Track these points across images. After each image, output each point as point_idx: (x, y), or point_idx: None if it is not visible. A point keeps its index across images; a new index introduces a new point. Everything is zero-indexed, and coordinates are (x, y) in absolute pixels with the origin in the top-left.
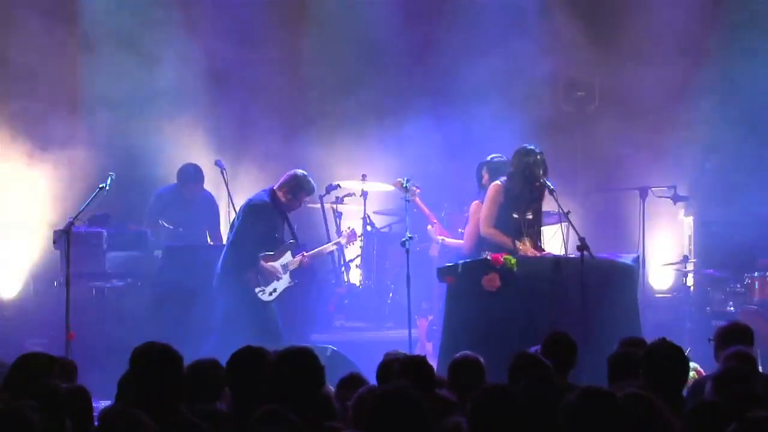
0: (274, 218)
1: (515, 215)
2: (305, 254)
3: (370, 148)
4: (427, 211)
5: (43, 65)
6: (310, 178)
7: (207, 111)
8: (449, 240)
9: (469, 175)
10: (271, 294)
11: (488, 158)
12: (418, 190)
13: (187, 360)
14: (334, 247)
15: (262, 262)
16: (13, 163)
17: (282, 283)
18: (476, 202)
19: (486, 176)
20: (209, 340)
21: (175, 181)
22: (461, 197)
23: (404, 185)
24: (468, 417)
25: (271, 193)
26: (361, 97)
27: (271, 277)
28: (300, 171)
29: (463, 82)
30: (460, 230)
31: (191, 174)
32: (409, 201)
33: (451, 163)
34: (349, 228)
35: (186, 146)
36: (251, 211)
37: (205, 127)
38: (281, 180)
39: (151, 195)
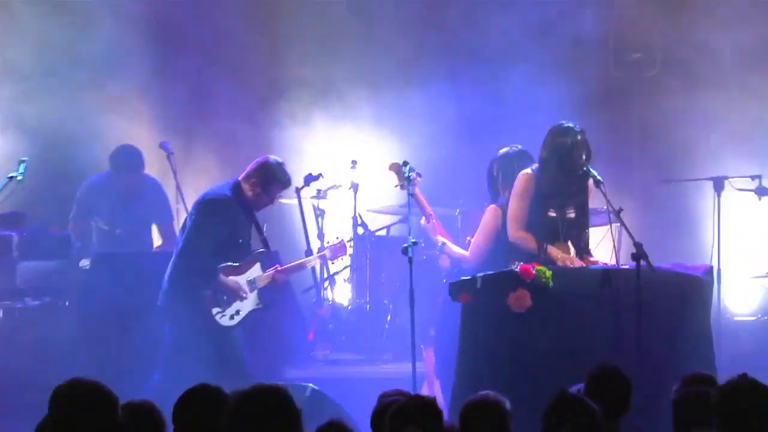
0: (238, 218)
1: (552, 213)
2: (279, 268)
3: (362, 126)
4: (426, 204)
5: None
6: (285, 167)
7: (151, 78)
8: (453, 246)
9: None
10: (233, 317)
11: (499, 152)
12: (419, 180)
13: (124, 401)
14: (318, 261)
15: (222, 276)
16: None
17: (247, 304)
18: (493, 206)
19: (499, 177)
20: (152, 376)
21: (103, 170)
22: (482, 192)
23: (406, 174)
24: None
25: (235, 186)
26: (350, 61)
27: (234, 295)
28: (272, 157)
29: (483, 40)
30: (468, 238)
31: (126, 158)
32: (412, 195)
33: (468, 147)
34: (337, 239)
35: (124, 124)
36: (207, 209)
37: (148, 100)
38: (248, 169)
39: (79, 186)
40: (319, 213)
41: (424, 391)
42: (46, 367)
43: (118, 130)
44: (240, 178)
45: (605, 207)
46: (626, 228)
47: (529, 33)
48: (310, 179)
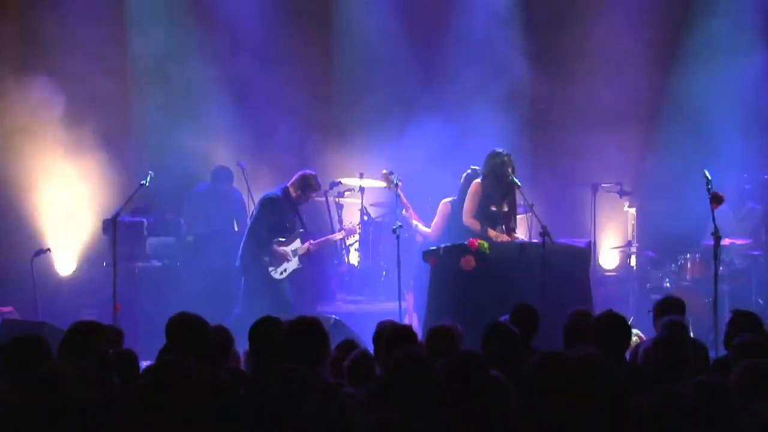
0: (286, 210)
1: (493, 208)
2: (312, 242)
3: (369, 151)
4: (405, 201)
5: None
6: (317, 177)
7: (230, 122)
8: (421, 227)
9: (450, 174)
10: (281, 273)
11: (469, 169)
12: (400, 184)
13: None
14: (339, 238)
15: (275, 247)
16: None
17: (291, 265)
18: (444, 201)
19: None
20: (234, 311)
21: (205, 181)
22: (444, 193)
23: (394, 181)
24: (442, 379)
25: (284, 189)
26: (363, 105)
27: (282, 259)
28: (308, 171)
29: (453, 90)
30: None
31: (225, 174)
32: (397, 195)
33: (434, 164)
34: (351, 223)
35: (213, 148)
36: (266, 204)
37: (227, 135)
38: (293, 179)
39: (187, 198)
40: (339, 207)
41: (406, 321)
42: (165, 306)
43: (209, 152)
44: (288, 184)
45: (524, 202)
46: (537, 216)
47: (482, 83)
48: (333, 185)
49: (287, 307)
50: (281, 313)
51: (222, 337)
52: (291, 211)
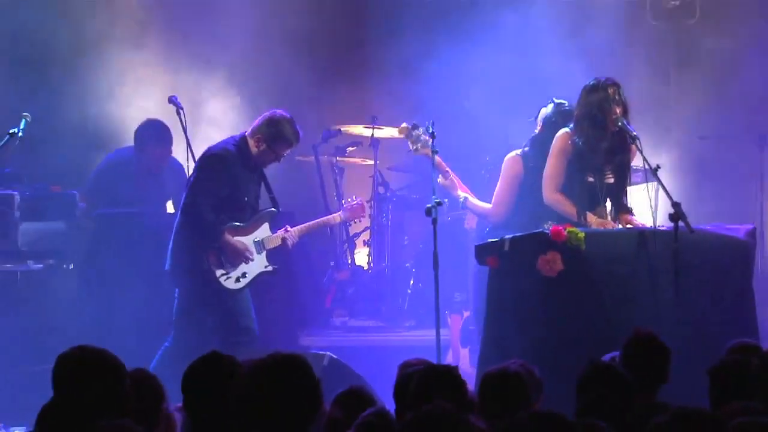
0: (243, 175)
1: (590, 178)
2: (290, 229)
3: (383, 80)
4: (441, 162)
5: None
6: (294, 124)
7: (160, 27)
8: (474, 200)
9: (519, 118)
10: (238, 280)
11: (555, 102)
12: (431, 140)
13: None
14: (333, 222)
15: (227, 237)
16: None
17: (254, 267)
18: (512, 155)
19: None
20: (164, 343)
21: (127, 145)
22: (511, 148)
23: (422, 135)
24: None
25: (240, 141)
26: (372, 7)
27: (239, 257)
28: (279, 112)
29: None
30: None
31: (157, 135)
32: (435, 153)
33: (497, 100)
34: (354, 199)
35: (131, 78)
36: (210, 164)
37: (155, 49)
38: (254, 123)
39: (97, 170)
40: (338, 171)
41: (449, 361)
42: (49, 333)
43: (126, 85)
44: (246, 133)
45: (642, 165)
46: (663, 187)
47: None
48: (327, 135)
49: (248, 335)
50: (238, 346)
51: (145, 386)
52: (252, 177)
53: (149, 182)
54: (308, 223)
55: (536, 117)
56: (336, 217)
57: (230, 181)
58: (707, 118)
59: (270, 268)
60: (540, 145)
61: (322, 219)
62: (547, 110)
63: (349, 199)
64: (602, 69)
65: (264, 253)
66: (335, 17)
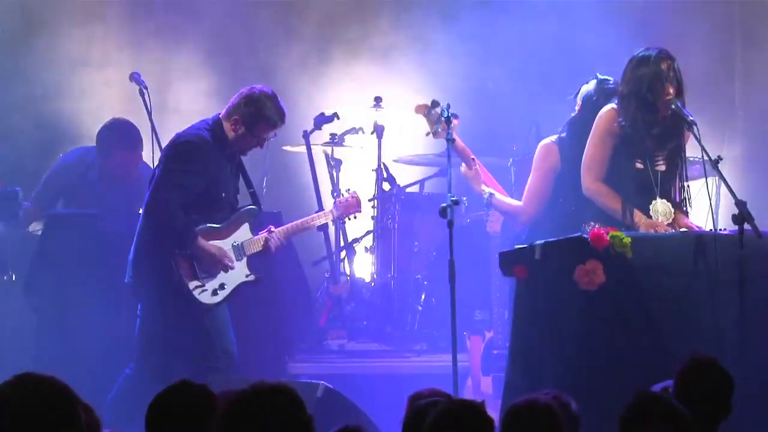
0: (220, 166)
1: (639, 164)
2: (274, 229)
3: (388, 56)
4: (465, 148)
5: None
6: (277, 99)
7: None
8: (501, 197)
9: (552, 99)
10: (215, 293)
11: (599, 78)
12: (456, 122)
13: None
14: (325, 219)
15: (201, 240)
16: None
17: (234, 276)
18: (546, 141)
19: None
20: (125, 370)
21: (86, 145)
22: (542, 136)
23: (442, 115)
24: None
25: (214, 125)
26: None
27: (216, 265)
28: (259, 87)
29: None
30: None
31: (123, 137)
32: (451, 140)
33: (525, 80)
34: (349, 192)
35: (84, 50)
36: (181, 153)
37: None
38: (230, 103)
39: (52, 170)
40: (334, 163)
41: (468, 393)
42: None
43: (78, 62)
44: (221, 115)
45: (699, 156)
46: (726, 182)
47: None
48: (321, 121)
49: (225, 359)
50: (215, 374)
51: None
52: (228, 167)
53: (113, 192)
54: (295, 222)
55: (576, 95)
56: (327, 214)
57: (206, 174)
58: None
59: (252, 278)
60: (580, 130)
61: (311, 217)
62: (588, 87)
63: (344, 193)
64: (654, 41)
65: (244, 260)
66: None
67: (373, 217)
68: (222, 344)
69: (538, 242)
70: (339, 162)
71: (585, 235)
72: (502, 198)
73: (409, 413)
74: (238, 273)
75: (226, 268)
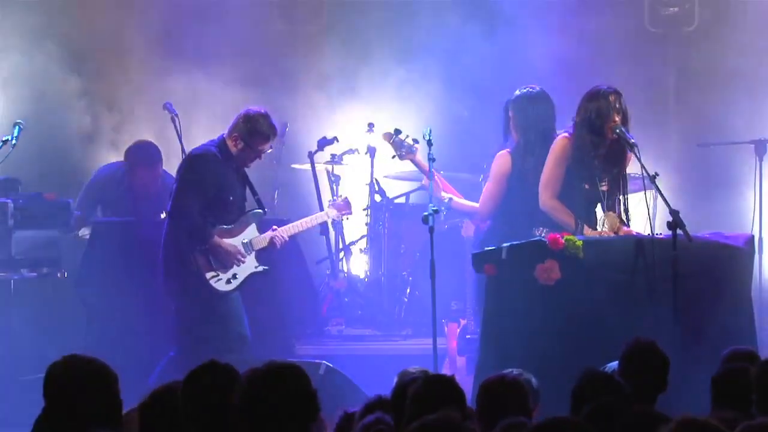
0: (226, 175)
1: (586, 185)
2: (277, 229)
3: (379, 84)
4: (423, 164)
5: None
6: (269, 118)
7: (153, 48)
8: (459, 200)
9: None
10: (229, 282)
11: (515, 93)
12: (417, 146)
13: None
14: (322, 219)
15: (217, 239)
16: None
17: (245, 268)
18: (502, 152)
19: (512, 117)
20: (167, 355)
21: (116, 160)
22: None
23: (405, 143)
24: None
25: (220, 143)
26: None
27: (230, 259)
28: (254, 108)
29: None
30: None
31: (147, 155)
32: (433, 160)
33: (490, 107)
34: (341, 196)
35: (125, 83)
36: (194, 166)
37: (148, 68)
38: (230, 124)
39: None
40: (334, 179)
41: (446, 370)
42: (42, 344)
43: (120, 92)
44: (224, 135)
45: (640, 172)
46: (661, 194)
47: None
48: (324, 143)
49: (239, 339)
50: (232, 354)
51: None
52: (235, 177)
53: (139, 202)
54: (296, 222)
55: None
56: (324, 214)
57: (215, 182)
58: (705, 126)
59: (260, 269)
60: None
61: (310, 217)
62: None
63: (335, 197)
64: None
65: (253, 254)
66: (336, 21)
67: (366, 224)
68: (237, 329)
69: (505, 245)
70: (338, 178)
71: (544, 239)
72: (460, 201)
73: (396, 387)
74: (249, 265)
75: (239, 262)
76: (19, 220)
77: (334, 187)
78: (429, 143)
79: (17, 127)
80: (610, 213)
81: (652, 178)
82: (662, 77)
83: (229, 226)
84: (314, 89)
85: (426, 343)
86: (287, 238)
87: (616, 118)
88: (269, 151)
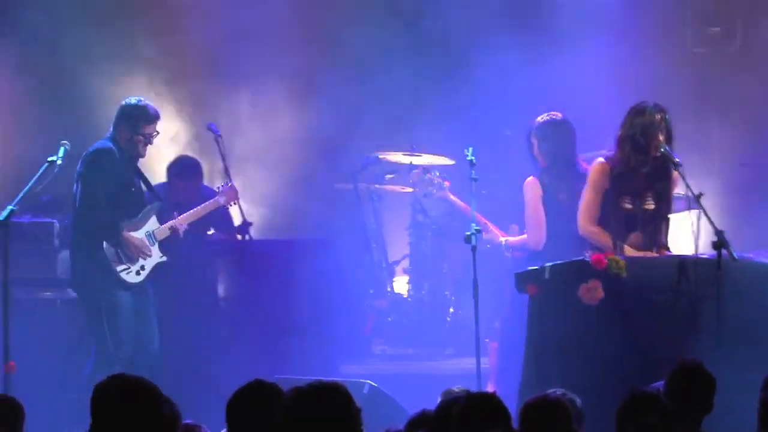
0: (125, 167)
1: (627, 205)
2: (177, 217)
3: (423, 105)
4: (463, 206)
5: None
6: (141, 100)
7: (195, 55)
8: (513, 239)
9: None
10: (138, 273)
11: (537, 120)
12: (447, 184)
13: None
14: (214, 206)
15: (126, 233)
16: None
17: (150, 260)
18: (530, 179)
19: (535, 145)
20: (85, 366)
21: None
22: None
23: (435, 183)
24: None
25: (110, 139)
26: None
27: (138, 252)
28: (128, 99)
29: (553, 9)
30: (512, 226)
31: (188, 169)
32: (475, 180)
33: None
34: (228, 183)
35: (167, 104)
36: (94, 161)
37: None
38: (113, 121)
39: None
40: (376, 199)
41: (490, 389)
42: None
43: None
44: (112, 132)
45: (684, 191)
46: (706, 214)
47: (604, 3)
48: (366, 162)
49: (149, 334)
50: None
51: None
52: (132, 170)
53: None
54: (194, 210)
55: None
56: (215, 201)
57: (115, 174)
58: (746, 145)
59: (164, 259)
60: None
61: (204, 204)
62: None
63: (224, 184)
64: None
65: (156, 245)
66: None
67: (409, 243)
68: (121, 334)
69: (548, 264)
70: (380, 197)
71: (587, 258)
72: (515, 239)
73: (440, 406)
74: (154, 256)
75: (146, 256)
76: (65, 240)
77: (377, 207)
78: (471, 163)
79: (63, 148)
80: (637, 233)
81: (698, 198)
82: (705, 96)
83: (134, 219)
84: (355, 107)
85: (469, 363)
86: (187, 226)
87: (661, 137)
88: (156, 134)
